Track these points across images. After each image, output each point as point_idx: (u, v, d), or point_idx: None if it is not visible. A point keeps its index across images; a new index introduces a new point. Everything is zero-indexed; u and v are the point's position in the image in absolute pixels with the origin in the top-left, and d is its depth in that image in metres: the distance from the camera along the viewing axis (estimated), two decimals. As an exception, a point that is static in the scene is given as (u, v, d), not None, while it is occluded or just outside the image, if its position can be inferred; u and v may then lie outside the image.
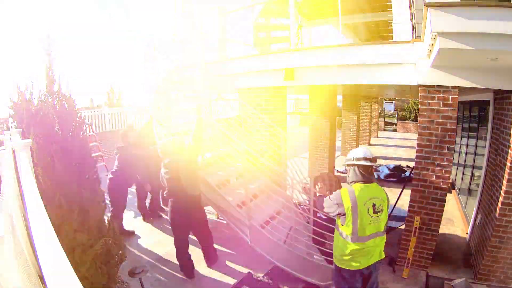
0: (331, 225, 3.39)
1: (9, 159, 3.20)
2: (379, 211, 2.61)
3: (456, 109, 3.59)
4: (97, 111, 11.41)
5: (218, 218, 5.66)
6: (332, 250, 2.92)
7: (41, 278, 2.43)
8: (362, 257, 2.65)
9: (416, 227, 3.92)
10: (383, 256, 2.79)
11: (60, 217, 2.83)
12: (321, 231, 3.60)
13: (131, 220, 5.82)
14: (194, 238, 4.26)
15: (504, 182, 3.36)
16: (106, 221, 3.46)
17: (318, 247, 3.98)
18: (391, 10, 3.99)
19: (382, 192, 2.71)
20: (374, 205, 2.60)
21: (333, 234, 2.96)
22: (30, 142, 2.99)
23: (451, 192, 6.85)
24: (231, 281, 3.88)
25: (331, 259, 3.09)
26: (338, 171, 8.64)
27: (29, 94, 4.25)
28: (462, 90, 4.10)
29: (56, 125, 3.07)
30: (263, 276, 3.71)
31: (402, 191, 5.35)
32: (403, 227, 4.29)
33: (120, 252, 3.61)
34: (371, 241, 2.62)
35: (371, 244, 2.64)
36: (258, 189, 4.32)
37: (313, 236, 3.69)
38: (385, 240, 2.78)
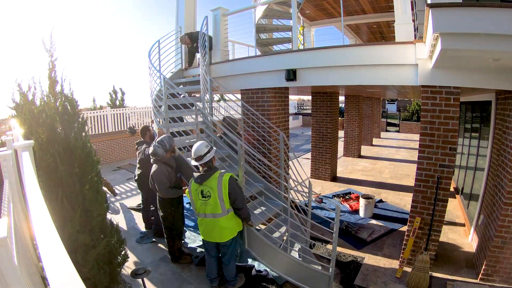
0: (330, 230, 3.39)
1: (12, 160, 3.22)
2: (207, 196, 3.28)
3: (458, 109, 3.58)
4: (99, 112, 11.45)
5: None
6: (329, 255, 3.01)
7: (44, 279, 2.45)
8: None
9: (415, 228, 3.92)
10: (223, 239, 3.38)
11: (63, 217, 2.84)
12: (319, 235, 3.59)
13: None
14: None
15: (507, 182, 3.35)
16: (109, 222, 3.47)
17: (314, 251, 3.98)
18: (393, 11, 3.98)
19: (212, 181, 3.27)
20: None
21: (331, 238, 3.28)
22: (32, 143, 3.00)
23: (455, 197, 6.81)
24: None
25: (328, 265, 3.20)
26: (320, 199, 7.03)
27: (31, 95, 4.26)
28: (464, 90, 4.10)
29: (59, 126, 3.08)
30: None
31: None
32: (404, 228, 4.28)
33: (123, 252, 3.62)
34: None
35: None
36: (256, 190, 4.32)
37: (311, 240, 3.69)
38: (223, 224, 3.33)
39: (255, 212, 4.14)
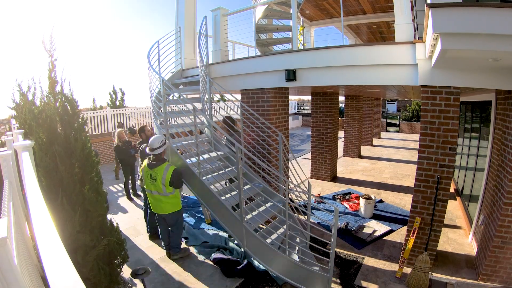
0: (329, 232, 3.40)
1: (12, 160, 3.22)
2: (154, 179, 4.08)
3: (458, 109, 3.58)
4: (99, 112, 11.44)
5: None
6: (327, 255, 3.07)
7: (44, 279, 2.44)
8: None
9: (415, 228, 3.91)
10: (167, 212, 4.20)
11: (63, 218, 2.84)
12: (319, 238, 3.60)
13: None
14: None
15: (507, 182, 3.35)
16: (109, 222, 3.47)
17: (314, 254, 3.97)
18: (393, 11, 3.98)
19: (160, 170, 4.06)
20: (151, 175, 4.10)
21: (331, 240, 3.34)
22: (32, 143, 3.00)
23: (455, 199, 6.79)
24: (233, 282, 3.91)
25: (327, 267, 3.34)
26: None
27: (31, 95, 4.27)
28: (464, 90, 4.10)
29: (59, 126, 3.08)
30: None
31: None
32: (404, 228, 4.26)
33: (123, 253, 3.62)
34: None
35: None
36: (255, 192, 4.31)
37: (310, 243, 3.70)
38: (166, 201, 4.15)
39: (253, 213, 4.13)
